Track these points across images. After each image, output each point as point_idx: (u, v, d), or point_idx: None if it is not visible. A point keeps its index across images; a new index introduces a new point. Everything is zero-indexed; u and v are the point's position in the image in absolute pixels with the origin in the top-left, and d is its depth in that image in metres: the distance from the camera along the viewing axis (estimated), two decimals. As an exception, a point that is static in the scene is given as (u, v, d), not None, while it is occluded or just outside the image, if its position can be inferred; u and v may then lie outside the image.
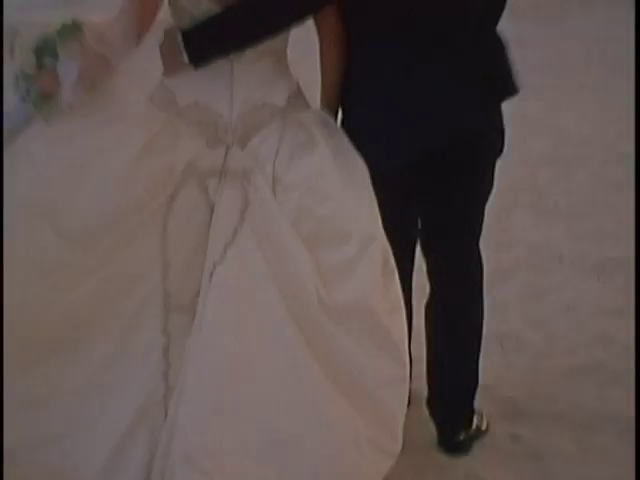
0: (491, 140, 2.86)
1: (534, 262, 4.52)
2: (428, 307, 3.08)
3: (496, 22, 2.84)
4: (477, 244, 3.02)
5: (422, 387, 3.16)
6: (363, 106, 2.75)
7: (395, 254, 2.66)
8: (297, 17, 2.62)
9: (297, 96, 2.74)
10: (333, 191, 2.60)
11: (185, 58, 2.59)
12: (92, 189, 2.54)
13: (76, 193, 2.53)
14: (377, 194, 2.64)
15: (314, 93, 2.82)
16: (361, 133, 2.72)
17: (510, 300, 4.09)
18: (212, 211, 2.63)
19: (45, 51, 2.46)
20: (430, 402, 3.13)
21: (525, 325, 3.90)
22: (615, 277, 4.30)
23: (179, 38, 2.58)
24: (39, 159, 2.53)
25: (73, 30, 2.47)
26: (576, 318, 3.95)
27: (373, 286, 2.58)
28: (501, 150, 2.89)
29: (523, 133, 6.21)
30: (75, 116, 2.52)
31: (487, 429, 3.16)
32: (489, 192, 2.94)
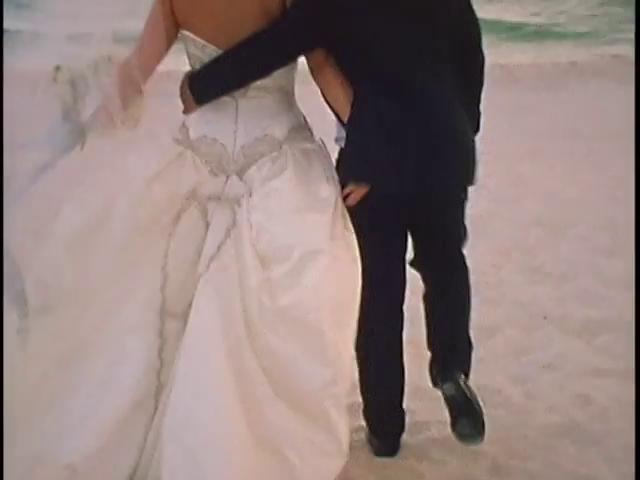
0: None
1: (519, 319, 4.59)
2: (425, 297, 3.34)
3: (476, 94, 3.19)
4: (461, 250, 3.27)
5: (411, 438, 3.28)
6: (363, 134, 2.98)
7: (383, 295, 3.00)
8: (283, 59, 2.91)
9: (298, 129, 2.99)
10: (285, 211, 2.86)
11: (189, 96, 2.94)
12: (111, 226, 2.86)
13: (102, 227, 2.86)
14: (372, 227, 2.98)
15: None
16: (362, 159, 2.98)
17: (493, 355, 4.15)
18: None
19: (80, 83, 2.76)
20: (432, 349, 3.37)
21: (506, 381, 3.96)
22: (597, 338, 4.36)
23: (187, 79, 2.94)
24: (78, 198, 2.89)
25: (105, 63, 2.79)
26: (557, 377, 4.00)
27: (315, 294, 2.82)
28: (473, 178, 3.12)
29: (516, 194, 6.29)
30: (109, 153, 2.88)
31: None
32: (463, 210, 3.21)
